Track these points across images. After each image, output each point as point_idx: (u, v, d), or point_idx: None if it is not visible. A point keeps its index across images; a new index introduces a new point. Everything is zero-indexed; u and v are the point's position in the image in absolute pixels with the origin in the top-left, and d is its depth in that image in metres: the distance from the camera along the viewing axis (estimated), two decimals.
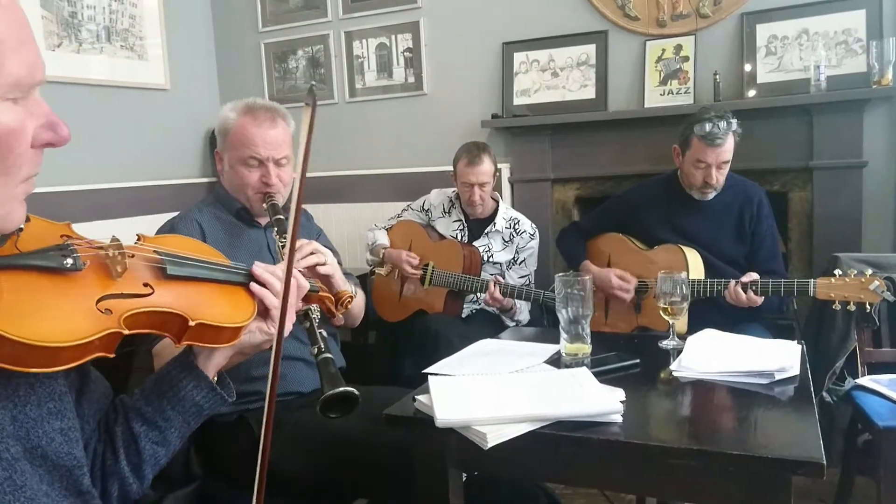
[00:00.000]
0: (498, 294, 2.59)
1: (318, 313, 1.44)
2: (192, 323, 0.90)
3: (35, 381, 0.79)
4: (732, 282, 2.24)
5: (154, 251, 0.93)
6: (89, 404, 0.93)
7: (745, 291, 2.21)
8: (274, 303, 1.05)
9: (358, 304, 1.86)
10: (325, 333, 1.40)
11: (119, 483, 0.95)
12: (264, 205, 1.69)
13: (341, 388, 1.14)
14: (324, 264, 1.63)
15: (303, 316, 1.43)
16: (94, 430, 0.95)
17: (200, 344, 0.94)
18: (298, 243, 1.58)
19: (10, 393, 0.76)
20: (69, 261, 0.80)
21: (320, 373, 1.30)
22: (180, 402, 0.98)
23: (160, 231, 1.72)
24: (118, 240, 0.89)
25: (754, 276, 2.24)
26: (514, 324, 2.76)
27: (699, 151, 2.34)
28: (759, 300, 2.22)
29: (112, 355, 0.82)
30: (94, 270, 0.84)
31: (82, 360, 0.78)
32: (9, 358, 0.72)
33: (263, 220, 1.79)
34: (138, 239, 0.98)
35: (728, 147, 2.34)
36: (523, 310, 2.80)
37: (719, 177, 2.37)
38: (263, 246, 1.77)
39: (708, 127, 2.31)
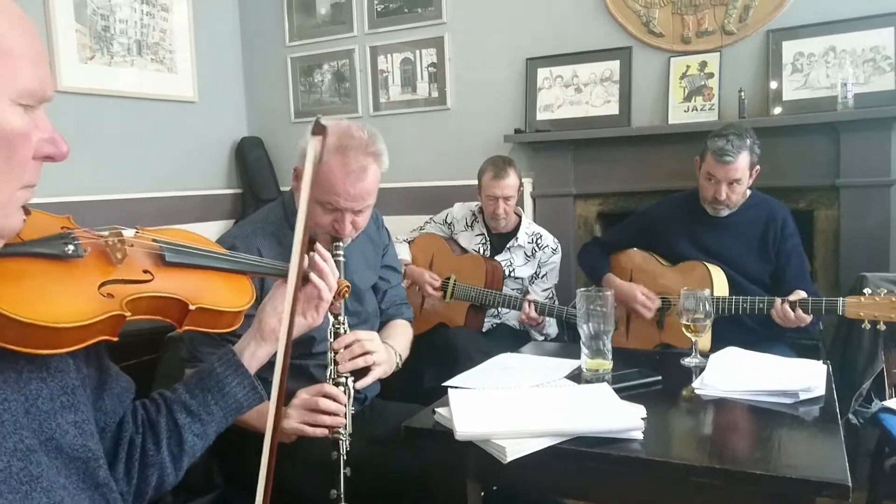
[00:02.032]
0: (534, 313, 2.59)
1: (348, 441, 1.43)
2: (192, 307, 0.92)
3: (47, 375, 0.82)
4: (778, 300, 2.18)
5: (153, 240, 0.96)
6: (110, 398, 0.96)
7: (794, 310, 2.16)
8: (320, 284, 1.13)
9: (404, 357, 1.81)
10: (348, 473, 1.40)
11: (158, 473, 0.99)
12: (331, 251, 1.53)
13: None
14: (370, 368, 1.55)
15: (332, 444, 1.42)
16: (130, 422, 0.99)
17: (201, 329, 0.96)
18: (347, 339, 1.51)
19: (21, 387, 0.79)
20: (70, 248, 0.83)
21: None
22: (224, 397, 1.03)
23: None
24: (118, 230, 0.92)
25: (801, 293, 2.18)
26: (542, 338, 2.75)
27: (709, 166, 2.34)
28: (808, 318, 2.15)
29: (115, 338, 0.84)
30: (94, 257, 0.87)
31: (86, 342, 0.81)
32: (14, 339, 0.75)
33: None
34: (137, 230, 1.00)
35: (738, 166, 2.30)
36: (552, 323, 2.80)
37: (730, 194, 2.34)
38: None
39: (720, 143, 2.29)
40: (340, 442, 1.42)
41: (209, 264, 1.01)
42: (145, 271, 0.91)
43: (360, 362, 1.52)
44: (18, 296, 0.75)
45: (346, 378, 1.48)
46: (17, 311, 0.73)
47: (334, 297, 1.36)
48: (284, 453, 1.58)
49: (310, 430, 1.43)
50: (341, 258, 1.52)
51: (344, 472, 1.40)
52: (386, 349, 1.68)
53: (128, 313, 0.84)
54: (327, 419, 1.42)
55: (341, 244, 1.56)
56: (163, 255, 0.94)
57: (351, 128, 1.58)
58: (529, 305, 2.59)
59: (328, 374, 1.48)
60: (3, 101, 0.72)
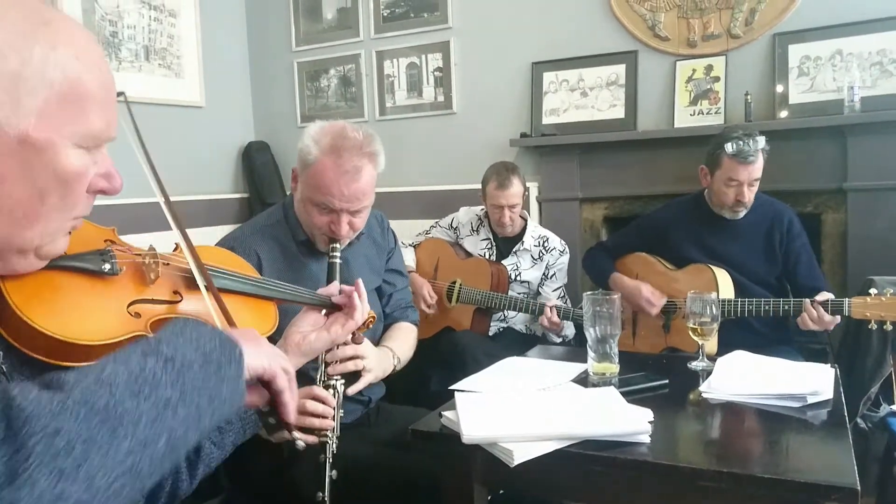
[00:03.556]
0: (556, 318, 2.58)
1: (336, 443, 1.41)
2: None
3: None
4: (807, 301, 2.15)
5: (187, 262, 0.98)
6: None
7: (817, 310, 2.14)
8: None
9: (403, 364, 1.79)
10: (334, 476, 1.38)
11: (173, 478, 0.99)
12: (328, 251, 1.58)
13: None
14: (361, 373, 1.55)
15: (319, 447, 1.40)
16: None
17: None
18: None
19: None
20: (107, 266, 0.87)
21: None
22: (245, 409, 1.03)
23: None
24: (154, 249, 0.96)
25: (828, 295, 2.16)
26: (559, 340, 2.73)
27: (730, 170, 2.33)
28: (837, 319, 2.13)
29: None
30: (129, 276, 0.91)
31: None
32: (44, 351, 0.79)
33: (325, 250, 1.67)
34: (176, 247, 1.02)
35: (759, 165, 2.32)
36: (569, 324, 2.78)
37: (750, 195, 2.35)
38: (323, 277, 1.64)
39: (739, 145, 2.30)
40: (327, 444, 1.40)
41: (238, 289, 1.05)
42: (175, 292, 0.95)
43: (350, 366, 1.51)
44: (51, 310, 0.79)
45: (336, 381, 1.46)
46: (47, 326, 0.77)
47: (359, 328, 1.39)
48: (290, 458, 1.59)
49: (299, 442, 1.42)
50: (337, 260, 1.52)
51: (330, 475, 1.38)
52: (380, 353, 1.66)
53: (150, 334, 0.87)
54: (316, 422, 1.40)
55: (338, 245, 1.56)
56: (194, 277, 0.96)
57: (346, 128, 1.58)
58: (552, 310, 2.58)
59: (318, 376, 1.46)
60: (66, 145, 0.73)
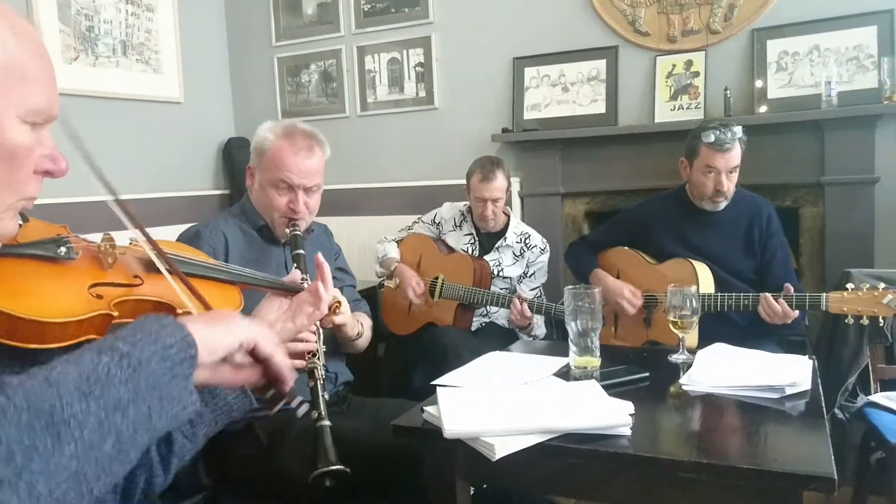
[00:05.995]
0: (527, 311, 2.58)
1: (324, 371, 1.46)
2: (179, 311, 0.94)
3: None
4: (768, 295, 2.18)
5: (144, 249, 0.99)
6: None
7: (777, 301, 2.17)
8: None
9: (363, 341, 1.86)
10: (327, 397, 1.42)
11: (146, 474, 0.98)
12: (287, 230, 1.72)
13: (333, 468, 1.27)
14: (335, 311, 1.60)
15: (308, 374, 1.44)
16: None
17: None
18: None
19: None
20: (63, 250, 0.88)
21: (315, 442, 1.33)
22: (213, 399, 1.03)
23: (182, 236, 1.75)
24: (110, 236, 0.96)
25: (791, 288, 2.19)
26: (530, 339, 2.75)
27: (708, 157, 2.34)
28: (795, 314, 2.16)
29: None
30: (86, 261, 0.91)
31: (75, 339, 0.83)
32: (3, 332, 0.77)
33: (283, 238, 1.81)
34: (132, 242, 1.03)
35: (736, 153, 2.34)
36: (540, 324, 2.80)
37: (729, 184, 2.36)
38: (282, 263, 1.80)
39: (716, 134, 2.32)
40: (316, 370, 1.46)
41: (199, 273, 1.05)
42: (135, 276, 0.95)
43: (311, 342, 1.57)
44: (9, 291, 0.79)
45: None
46: (5, 304, 0.76)
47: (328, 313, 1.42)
48: (274, 438, 1.59)
49: (301, 408, 1.44)
50: (299, 232, 1.67)
51: (323, 396, 1.44)
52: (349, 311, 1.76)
53: (115, 314, 0.86)
54: (300, 345, 1.45)
55: (298, 224, 1.71)
56: (152, 261, 0.96)
57: (295, 121, 1.82)
58: (521, 303, 2.59)
59: None
60: (11, 118, 0.75)
